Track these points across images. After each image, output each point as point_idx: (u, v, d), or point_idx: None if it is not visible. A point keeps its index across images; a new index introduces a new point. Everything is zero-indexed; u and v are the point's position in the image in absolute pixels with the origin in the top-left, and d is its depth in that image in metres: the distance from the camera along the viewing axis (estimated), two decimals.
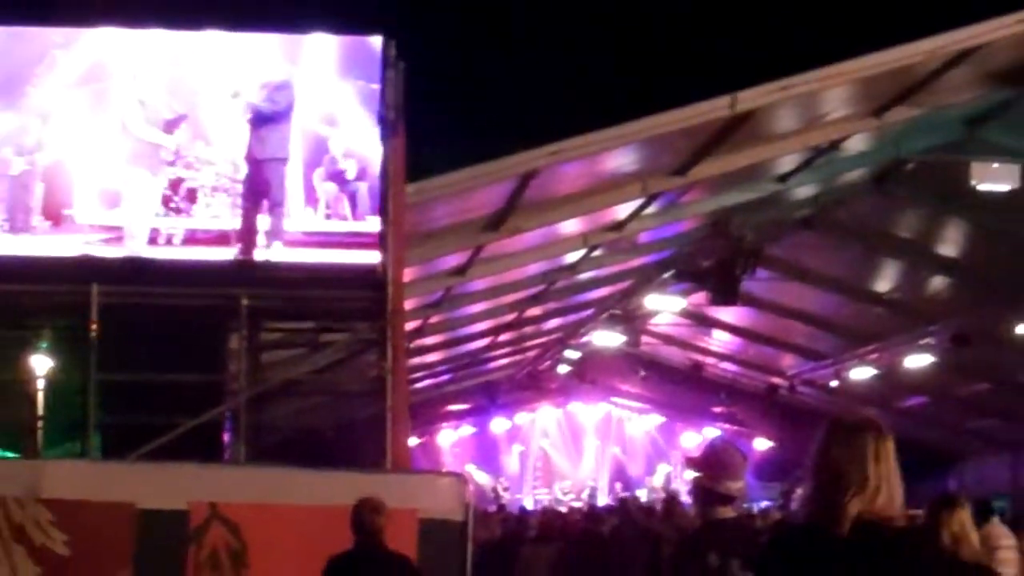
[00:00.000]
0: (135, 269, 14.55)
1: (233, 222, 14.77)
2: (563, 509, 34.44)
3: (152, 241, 14.75)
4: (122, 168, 14.84)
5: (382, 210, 14.31)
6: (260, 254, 14.70)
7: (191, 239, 14.73)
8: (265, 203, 14.76)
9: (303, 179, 14.77)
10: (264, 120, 14.74)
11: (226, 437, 15.21)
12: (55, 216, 14.66)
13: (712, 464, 7.33)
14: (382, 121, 14.49)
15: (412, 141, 14.83)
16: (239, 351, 15.01)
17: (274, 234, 14.74)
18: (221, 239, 14.77)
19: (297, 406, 20.13)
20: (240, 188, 14.80)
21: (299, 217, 14.79)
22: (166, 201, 14.71)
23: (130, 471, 13.11)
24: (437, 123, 18.51)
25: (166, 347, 14.63)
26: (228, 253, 14.72)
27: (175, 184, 14.72)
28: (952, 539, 8.36)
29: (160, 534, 12.23)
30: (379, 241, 14.33)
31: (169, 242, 14.75)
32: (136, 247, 14.70)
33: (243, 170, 14.79)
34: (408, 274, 15.97)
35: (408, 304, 17.71)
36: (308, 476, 13.35)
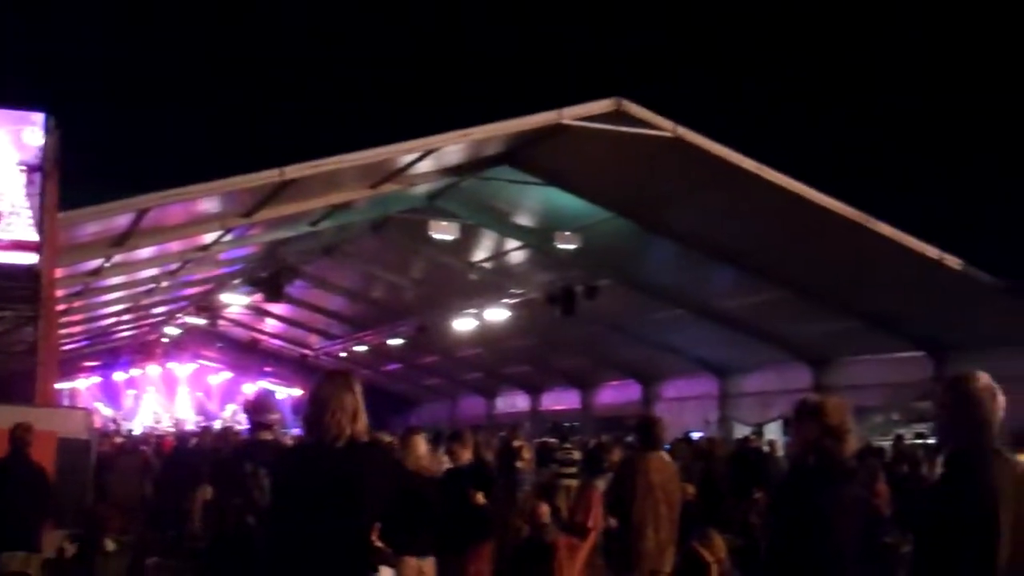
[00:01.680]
0: None
1: None
2: (162, 432, 33.55)
3: None
4: None
5: (40, 228, 13.63)
6: None
7: None
8: None
9: None
10: None
11: None
12: None
13: (257, 404, 7.37)
14: (40, 169, 13.83)
15: (66, 182, 14.20)
16: None
17: None
18: None
19: None
20: None
21: None
22: None
23: None
24: (85, 169, 17.63)
25: None
26: None
27: None
28: (416, 456, 8.69)
29: None
30: (38, 248, 13.67)
31: None
32: None
33: None
34: (59, 272, 15.24)
35: (58, 292, 16.92)
36: None
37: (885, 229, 16.92)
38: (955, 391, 4.19)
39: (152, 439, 27.47)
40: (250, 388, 40.43)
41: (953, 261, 17.29)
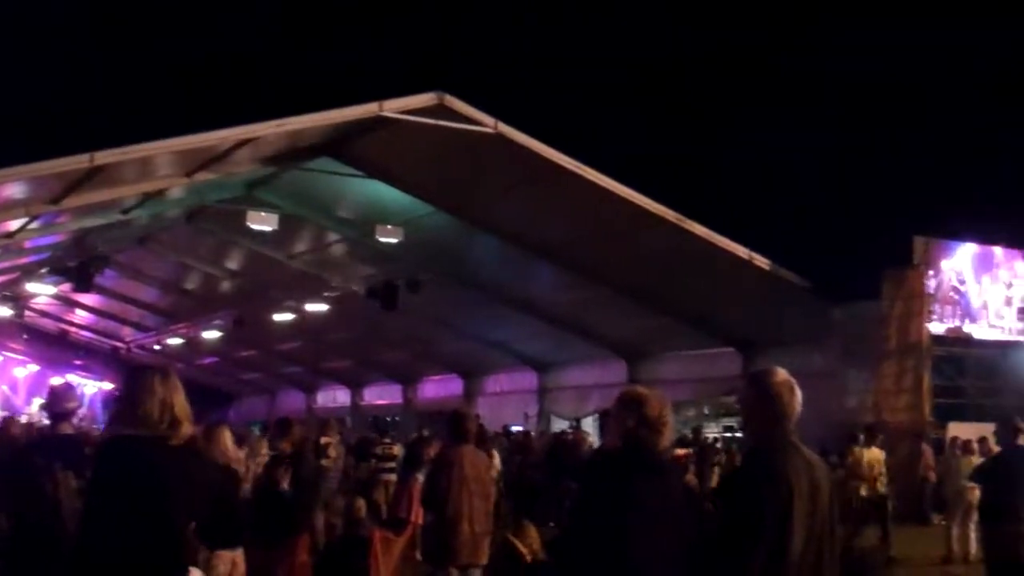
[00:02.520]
0: None
1: None
2: None
3: None
4: None
5: None
6: None
7: None
8: None
9: None
10: None
11: None
12: None
13: (53, 395, 7.04)
14: None
15: None
16: None
17: None
18: None
19: None
20: None
21: None
22: None
23: None
24: None
25: None
26: None
27: None
28: (221, 450, 8.46)
29: None
30: None
31: None
32: None
33: None
34: None
35: None
36: None
37: (698, 229, 17.47)
38: (754, 386, 4.31)
39: None
40: (57, 381, 38.86)
41: (762, 261, 18.00)
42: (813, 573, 4.10)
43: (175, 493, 4.51)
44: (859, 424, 18.34)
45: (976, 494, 12.94)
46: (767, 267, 18.11)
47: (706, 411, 25.01)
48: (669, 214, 17.19)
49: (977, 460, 13.30)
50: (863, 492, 13.90)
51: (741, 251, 17.84)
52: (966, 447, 14.13)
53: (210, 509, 5.01)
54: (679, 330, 21.34)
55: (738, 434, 20.91)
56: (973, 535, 13.09)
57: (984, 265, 19.77)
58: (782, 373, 4.31)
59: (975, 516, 12.93)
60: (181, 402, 4.64)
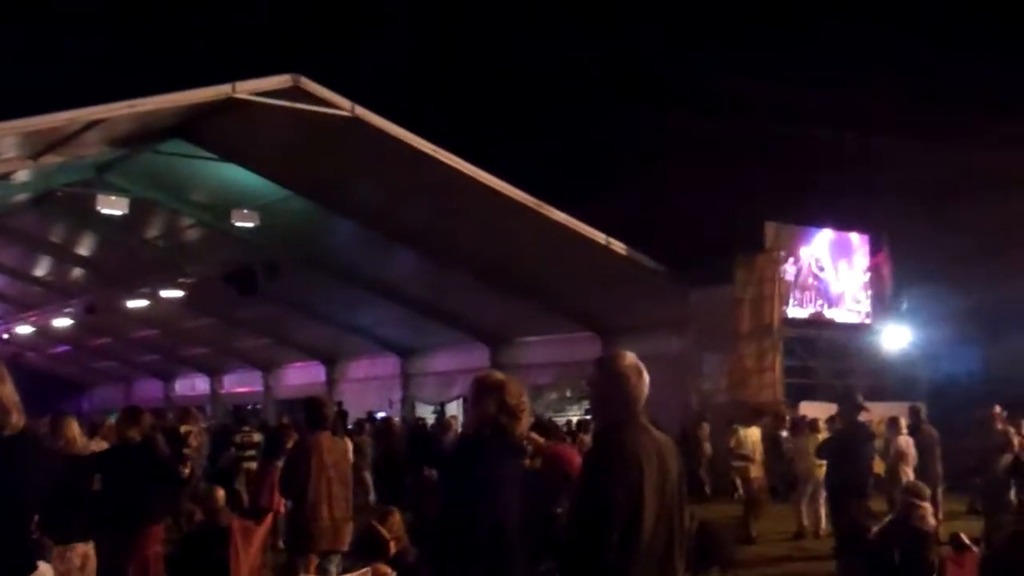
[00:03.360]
0: None
1: None
2: None
3: None
4: None
5: None
6: None
7: None
8: None
9: None
10: None
11: None
12: None
13: None
14: None
15: None
16: None
17: None
18: None
19: None
20: None
21: None
22: None
23: None
24: None
25: None
26: None
27: None
28: (67, 440, 8.23)
29: None
30: None
31: None
32: None
33: None
34: None
35: None
36: None
37: (557, 215, 17.68)
38: (603, 370, 4.41)
39: None
40: None
41: (619, 246, 18.31)
42: (665, 550, 4.22)
43: (12, 485, 4.36)
44: (711, 406, 18.93)
45: (823, 471, 13.51)
46: (624, 252, 18.43)
47: (568, 394, 25.36)
48: (528, 199, 17.34)
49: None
50: (754, 473, 14.23)
51: (599, 236, 18.12)
52: (812, 425, 14.60)
53: (52, 500, 4.86)
54: (540, 315, 21.57)
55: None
56: (823, 511, 13.51)
57: (841, 251, 20.48)
58: (630, 356, 4.41)
59: (823, 493, 13.48)
60: (8, 391, 4.43)
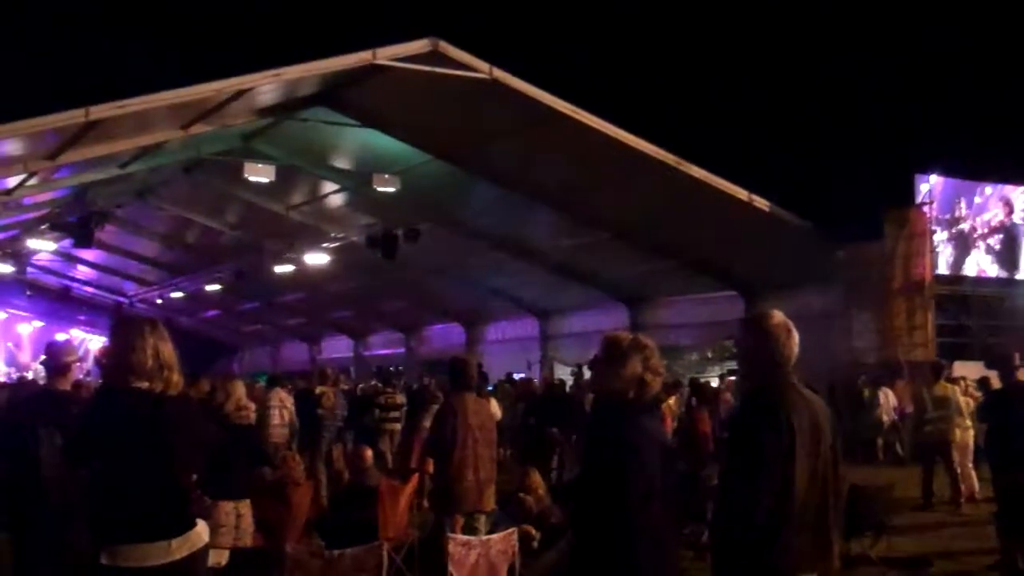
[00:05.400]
0: None
1: None
2: None
3: None
4: None
5: None
6: None
7: None
8: None
9: None
10: None
11: None
12: None
13: (51, 351, 6.94)
14: None
15: None
16: None
17: None
18: None
19: None
20: None
21: None
22: None
23: None
24: None
25: None
26: None
27: None
28: (234, 402, 8.52)
29: None
30: None
31: None
32: None
33: None
34: None
35: None
36: None
37: (697, 172, 17.39)
38: (751, 329, 4.33)
39: None
40: (63, 338, 38.97)
41: (762, 203, 17.93)
42: (818, 513, 4.15)
43: (174, 445, 4.51)
44: (861, 365, 18.46)
45: (971, 434, 13.03)
46: (767, 208, 18.05)
47: (709, 355, 25.07)
48: (667, 157, 17.10)
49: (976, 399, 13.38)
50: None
51: (741, 193, 17.77)
52: (965, 387, 14.11)
53: (209, 459, 4.99)
54: (680, 274, 21.34)
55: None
56: (973, 473, 13.15)
57: (981, 200, 19.78)
58: (779, 315, 4.32)
59: (971, 455, 13.07)
60: (170, 353, 4.60)
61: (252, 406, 9.04)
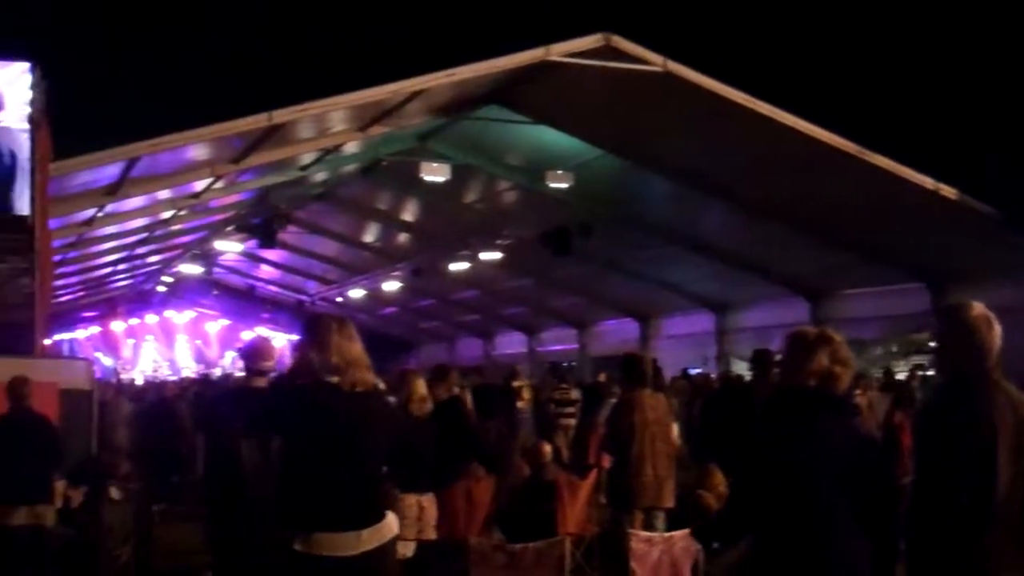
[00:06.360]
0: None
1: None
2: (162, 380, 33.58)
3: None
4: None
5: (31, 179, 13.54)
6: None
7: None
8: None
9: None
10: None
11: None
12: None
13: (252, 352, 7.25)
14: (31, 120, 13.72)
15: (57, 133, 14.10)
16: None
17: None
18: None
19: None
20: None
21: None
22: None
23: None
24: (77, 120, 17.52)
25: None
26: None
27: None
28: (414, 397, 8.69)
29: None
30: (30, 200, 13.57)
31: None
32: None
33: None
34: (53, 223, 15.18)
35: (53, 243, 16.92)
36: None
37: (880, 160, 16.83)
38: (951, 320, 4.18)
39: (152, 387, 27.58)
40: (248, 335, 40.58)
41: (949, 191, 17.23)
42: (1022, 515, 3.96)
43: (365, 438, 4.63)
44: None
45: None
46: (954, 197, 17.33)
47: (894, 349, 24.25)
48: (848, 146, 16.60)
49: None
50: None
51: (926, 182, 17.11)
52: None
53: (397, 453, 5.10)
54: (862, 266, 20.71)
55: (929, 373, 20.21)
56: None
57: None
58: (979, 306, 4.16)
59: None
60: (359, 349, 4.73)
61: (430, 400, 9.20)
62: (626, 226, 22.42)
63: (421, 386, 8.77)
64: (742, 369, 23.32)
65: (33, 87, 13.75)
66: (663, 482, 8.97)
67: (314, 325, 4.87)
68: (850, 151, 16.60)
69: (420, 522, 8.35)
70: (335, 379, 4.62)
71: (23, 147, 13.64)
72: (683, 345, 27.31)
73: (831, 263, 21.13)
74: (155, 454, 16.39)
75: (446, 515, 8.59)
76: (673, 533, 7.72)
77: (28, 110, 13.67)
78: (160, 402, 19.27)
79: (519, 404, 14.75)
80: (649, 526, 8.72)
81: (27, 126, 13.64)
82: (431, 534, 8.39)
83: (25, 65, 13.88)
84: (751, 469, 4.47)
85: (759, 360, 9.63)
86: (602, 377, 19.41)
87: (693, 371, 23.87)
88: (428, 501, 8.44)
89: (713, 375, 22.45)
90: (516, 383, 15.12)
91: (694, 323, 27.35)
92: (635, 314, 29.57)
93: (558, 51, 14.95)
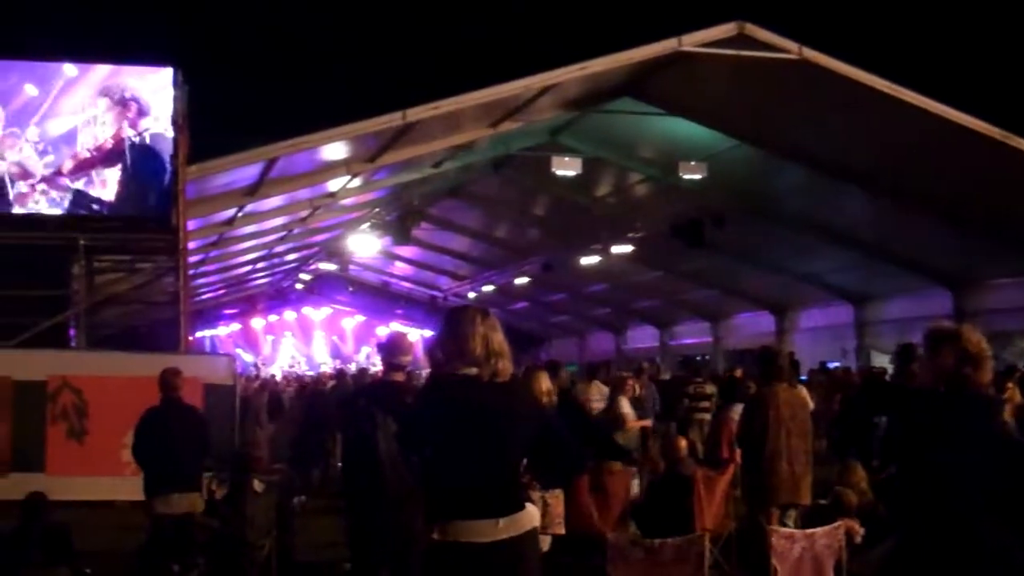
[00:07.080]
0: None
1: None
2: (301, 376, 34.44)
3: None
4: None
5: (173, 181, 14.08)
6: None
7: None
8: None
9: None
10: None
11: (72, 332, 14.82)
12: None
13: (390, 346, 7.36)
14: (174, 123, 14.26)
15: (196, 136, 14.63)
16: (79, 275, 14.65)
17: None
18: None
19: (121, 311, 19.63)
20: None
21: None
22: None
23: (7, 355, 12.73)
24: (215, 123, 18.11)
25: (26, 273, 14.20)
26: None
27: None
28: (538, 391, 8.71)
29: (28, 397, 12.03)
30: (172, 202, 14.12)
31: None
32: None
33: None
34: (193, 223, 15.71)
35: (195, 243, 17.52)
36: (129, 357, 13.27)
37: None
38: None
39: (292, 382, 28.32)
40: (383, 331, 41.24)
41: None
42: None
43: (506, 430, 4.64)
44: None
45: None
46: None
47: None
48: (992, 130, 16.02)
49: None
50: None
51: None
52: None
53: (537, 446, 5.15)
54: (1007, 255, 19.95)
55: None
56: None
57: None
58: None
59: None
60: (501, 340, 4.69)
61: (553, 394, 9.19)
62: (760, 217, 22.06)
63: (544, 380, 8.74)
64: (883, 362, 22.77)
65: (175, 92, 14.29)
66: (800, 479, 8.81)
67: (458, 316, 4.84)
68: (994, 136, 16.02)
69: (544, 518, 8.33)
70: (473, 370, 4.62)
71: (167, 151, 14.22)
72: (820, 338, 26.76)
73: (973, 252, 20.43)
74: (306, 445, 16.91)
75: (574, 510, 8.57)
76: (816, 530, 7.58)
77: (172, 115, 14.24)
78: (315, 395, 19.74)
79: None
80: (781, 523, 8.58)
81: (171, 130, 14.20)
82: (557, 530, 8.37)
83: (169, 71, 14.45)
84: (898, 467, 4.40)
85: (902, 355, 9.37)
86: (737, 372, 19.17)
87: (831, 365, 23.37)
88: (553, 497, 8.40)
89: (852, 368, 21.94)
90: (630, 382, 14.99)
91: (831, 315, 26.76)
92: (770, 306, 29.10)
93: (691, 41, 14.82)
